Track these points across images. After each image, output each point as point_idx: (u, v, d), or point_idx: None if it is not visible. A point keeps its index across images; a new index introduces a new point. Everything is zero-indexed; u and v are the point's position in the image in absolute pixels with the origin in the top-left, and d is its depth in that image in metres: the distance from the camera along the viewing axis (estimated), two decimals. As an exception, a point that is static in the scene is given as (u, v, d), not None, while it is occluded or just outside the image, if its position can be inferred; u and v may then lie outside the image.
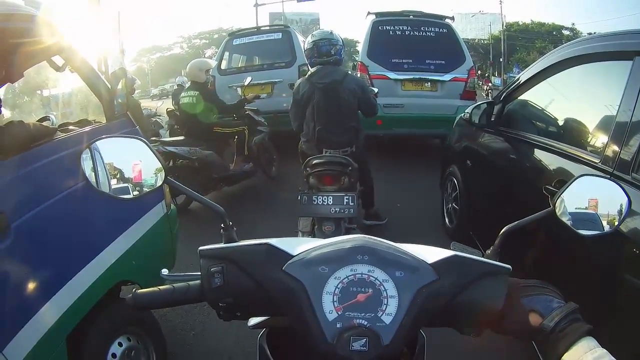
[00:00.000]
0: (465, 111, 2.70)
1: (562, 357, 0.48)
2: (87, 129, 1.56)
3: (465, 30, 29.33)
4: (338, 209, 2.09)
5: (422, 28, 5.10)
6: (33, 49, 1.37)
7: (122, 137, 0.70)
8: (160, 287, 0.59)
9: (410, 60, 4.86)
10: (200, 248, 0.57)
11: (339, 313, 0.49)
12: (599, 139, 1.46)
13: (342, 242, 0.55)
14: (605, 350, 0.47)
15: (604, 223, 0.64)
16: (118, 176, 0.65)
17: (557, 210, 0.64)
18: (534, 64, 2.12)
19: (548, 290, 0.54)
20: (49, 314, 1.16)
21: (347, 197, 2.11)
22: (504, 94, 2.33)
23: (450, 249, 0.56)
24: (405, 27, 5.08)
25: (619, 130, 1.29)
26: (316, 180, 2.23)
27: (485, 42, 33.64)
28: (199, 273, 0.57)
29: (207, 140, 3.66)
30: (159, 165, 0.65)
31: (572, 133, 1.70)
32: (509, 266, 0.55)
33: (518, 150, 1.98)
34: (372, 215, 3.09)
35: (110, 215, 1.47)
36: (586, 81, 1.73)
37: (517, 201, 1.85)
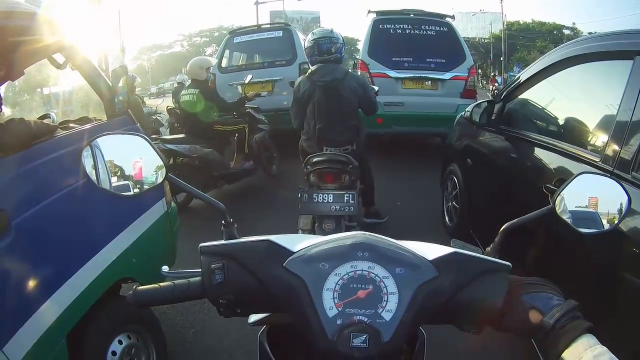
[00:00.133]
0: (466, 110, 2.70)
1: (562, 355, 0.48)
2: (87, 126, 1.57)
3: (465, 29, 29.28)
4: (338, 207, 2.09)
5: (422, 27, 5.09)
6: (34, 46, 1.37)
7: (123, 134, 0.69)
8: (161, 284, 0.59)
9: (411, 59, 4.85)
10: (201, 245, 0.57)
11: (340, 309, 0.49)
12: (599, 138, 1.46)
13: (342, 239, 0.55)
14: (605, 348, 0.47)
15: (604, 221, 0.64)
16: (119, 173, 0.64)
17: (557, 208, 0.64)
18: (534, 63, 2.12)
19: (548, 288, 0.54)
20: (49, 311, 1.16)
21: (348, 195, 2.11)
22: (504, 93, 2.33)
23: (450, 246, 0.56)
24: (405, 26, 5.07)
25: (619, 130, 1.30)
26: (317, 178, 2.24)
27: (486, 41, 33.53)
28: (200, 270, 0.56)
29: (208, 138, 3.66)
30: (160, 162, 0.64)
31: (572, 132, 1.70)
32: (509, 263, 0.55)
33: (518, 149, 1.98)
34: (373, 213, 3.09)
35: (110, 213, 1.47)
36: (587, 80, 1.72)
37: (518, 200, 1.85)
